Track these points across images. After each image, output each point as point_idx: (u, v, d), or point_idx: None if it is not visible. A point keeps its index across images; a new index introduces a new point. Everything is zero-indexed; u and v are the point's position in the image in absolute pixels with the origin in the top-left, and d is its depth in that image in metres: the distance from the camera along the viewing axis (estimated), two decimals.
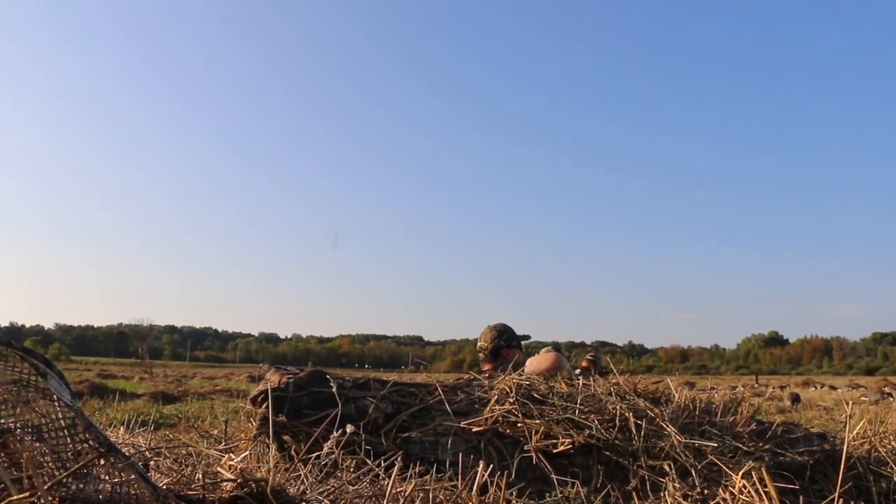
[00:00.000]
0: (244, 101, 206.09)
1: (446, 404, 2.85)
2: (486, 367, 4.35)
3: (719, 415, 2.87)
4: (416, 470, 2.27)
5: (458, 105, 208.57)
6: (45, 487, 1.28)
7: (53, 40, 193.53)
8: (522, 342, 4.53)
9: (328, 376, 2.98)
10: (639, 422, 2.67)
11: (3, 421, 1.55)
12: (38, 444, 1.51)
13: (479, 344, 4.48)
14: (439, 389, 2.92)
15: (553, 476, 2.50)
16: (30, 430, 1.55)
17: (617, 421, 2.70)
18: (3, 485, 1.35)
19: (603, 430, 2.63)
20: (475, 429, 2.71)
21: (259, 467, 2.34)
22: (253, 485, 1.78)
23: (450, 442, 2.70)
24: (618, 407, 2.75)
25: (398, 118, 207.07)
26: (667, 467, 2.51)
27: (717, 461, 2.48)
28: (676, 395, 2.98)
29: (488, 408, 2.79)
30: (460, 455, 2.56)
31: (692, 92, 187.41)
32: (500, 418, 2.72)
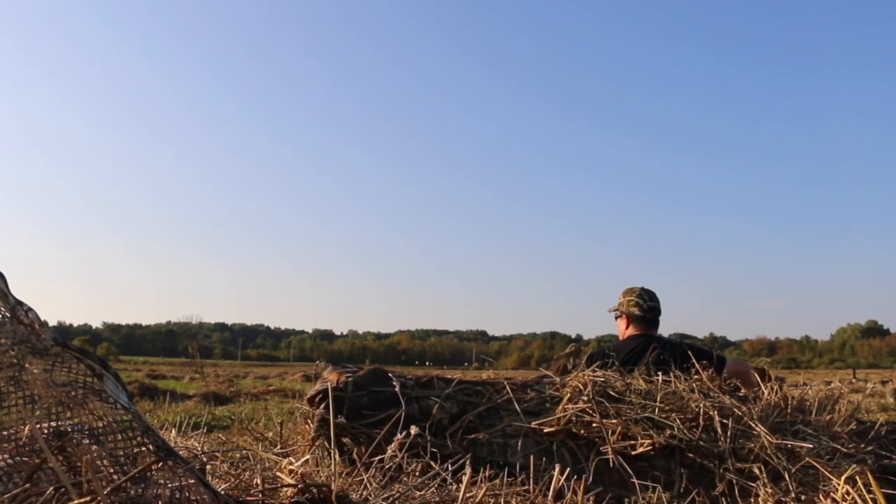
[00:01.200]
0: (296, 94, 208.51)
1: (515, 403, 2.84)
2: (637, 330, 4.17)
3: (814, 413, 2.78)
4: (486, 474, 2.29)
5: (530, 94, 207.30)
6: (105, 492, 1.34)
7: (113, 41, 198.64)
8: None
9: (390, 374, 3.01)
10: (725, 421, 2.63)
11: (60, 424, 1.62)
12: (95, 447, 1.58)
13: (630, 300, 4.22)
14: (507, 388, 2.92)
15: (633, 480, 2.48)
16: (87, 433, 1.62)
17: (701, 420, 2.66)
18: (63, 489, 1.41)
19: (686, 430, 2.59)
20: (547, 429, 2.71)
21: (319, 472, 2.39)
22: (315, 490, 1.81)
23: (520, 444, 2.69)
24: (701, 405, 2.71)
25: (466, 112, 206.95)
26: (756, 470, 2.47)
27: (814, 464, 2.43)
28: (766, 392, 2.91)
29: (560, 407, 2.78)
30: (531, 458, 2.56)
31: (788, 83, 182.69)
32: (574, 418, 2.71)
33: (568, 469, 2.44)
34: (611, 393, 2.81)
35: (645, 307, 4.18)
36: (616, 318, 4.34)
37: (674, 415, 2.67)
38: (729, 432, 2.59)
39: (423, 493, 2.12)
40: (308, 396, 2.97)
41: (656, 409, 2.69)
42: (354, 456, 2.54)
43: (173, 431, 4.11)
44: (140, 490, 1.48)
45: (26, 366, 1.64)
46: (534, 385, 3.03)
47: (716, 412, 2.67)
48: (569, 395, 2.83)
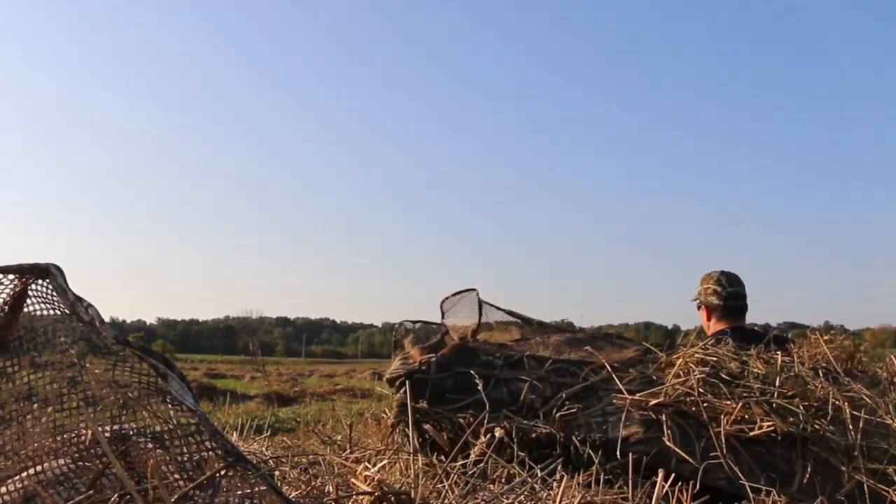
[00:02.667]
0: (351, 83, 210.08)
1: (616, 381, 2.78)
2: (721, 322, 4.06)
3: None
4: (580, 479, 2.28)
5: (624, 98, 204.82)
6: (173, 500, 1.39)
7: (177, 34, 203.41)
8: None
9: (477, 351, 2.98)
10: (856, 413, 2.53)
11: (123, 427, 1.68)
12: (160, 451, 1.63)
13: (708, 287, 4.14)
14: (607, 366, 2.85)
15: (752, 466, 2.40)
16: (151, 436, 1.67)
17: (829, 409, 2.56)
18: (128, 495, 1.47)
19: (811, 419, 2.50)
20: (653, 401, 2.64)
21: (396, 476, 2.42)
22: (393, 498, 1.84)
23: (622, 417, 2.63)
24: (830, 391, 2.60)
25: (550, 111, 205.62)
26: (893, 473, 2.38)
27: None
28: None
29: (668, 384, 2.69)
30: (634, 429, 2.51)
31: None
32: (684, 396, 2.62)
33: (675, 444, 2.38)
34: (723, 376, 2.71)
35: (724, 294, 4.04)
36: (697, 308, 4.24)
37: (797, 400, 2.56)
38: (860, 425, 2.50)
39: (510, 501, 2.12)
40: (387, 377, 2.96)
41: (776, 393, 2.59)
42: (435, 460, 2.55)
43: (235, 435, 4.21)
44: (208, 497, 1.52)
45: (87, 365, 1.71)
46: (636, 362, 2.95)
47: (846, 402, 2.58)
48: (678, 372, 2.74)
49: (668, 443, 2.33)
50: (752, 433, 2.48)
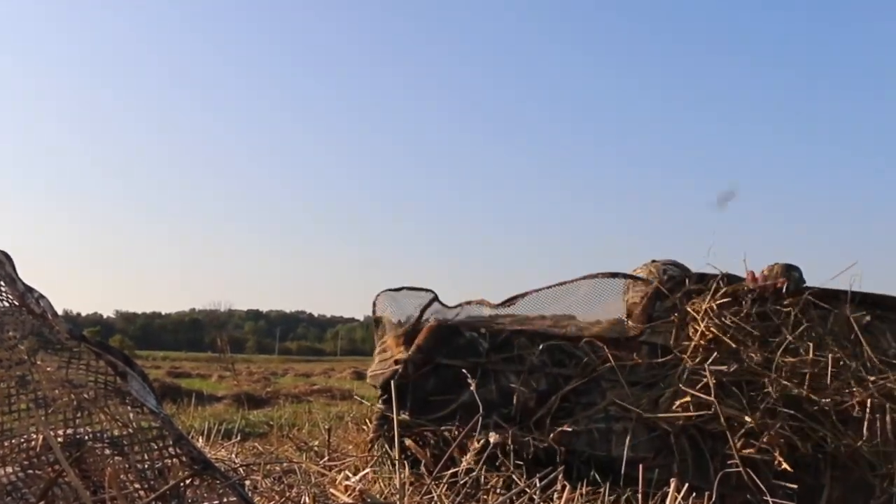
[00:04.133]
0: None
1: (618, 373, 2.77)
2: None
3: None
4: (583, 490, 2.28)
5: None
6: None
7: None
8: None
9: (460, 328, 2.93)
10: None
11: (77, 431, 1.68)
12: (119, 458, 1.63)
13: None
14: (606, 351, 2.82)
15: (766, 498, 2.39)
16: (109, 441, 1.67)
17: (866, 414, 2.52)
18: None
19: (840, 433, 2.46)
20: (663, 423, 2.62)
21: (379, 486, 2.42)
22: None
23: (629, 432, 2.61)
24: (867, 396, 2.54)
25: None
26: None
27: None
28: None
29: (678, 402, 2.68)
30: (640, 453, 2.51)
31: None
32: (695, 412, 2.59)
33: (687, 472, 2.37)
34: (748, 365, 2.66)
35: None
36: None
37: (828, 410, 2.51)
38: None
39: None
40: (369, 378, 2.93)
41: (802, 404, 2.54)
42: (423, 468, 2.55)
43: (201, 440, 4.20)
44: None
45: (37, 362, 1.70)
46: (640, 339, 2.91)
47: (888, 405, 2.52)
48: (704, 328, 2.68)
49: (671, 490, 2.33)
50: (773, 459, 2.46)
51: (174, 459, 1.56)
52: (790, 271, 3.93)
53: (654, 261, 4.09)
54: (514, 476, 2.42)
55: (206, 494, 1.56)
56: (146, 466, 1.60)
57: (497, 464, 2.54)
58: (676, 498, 2.06)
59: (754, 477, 2.43)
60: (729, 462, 2.49)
